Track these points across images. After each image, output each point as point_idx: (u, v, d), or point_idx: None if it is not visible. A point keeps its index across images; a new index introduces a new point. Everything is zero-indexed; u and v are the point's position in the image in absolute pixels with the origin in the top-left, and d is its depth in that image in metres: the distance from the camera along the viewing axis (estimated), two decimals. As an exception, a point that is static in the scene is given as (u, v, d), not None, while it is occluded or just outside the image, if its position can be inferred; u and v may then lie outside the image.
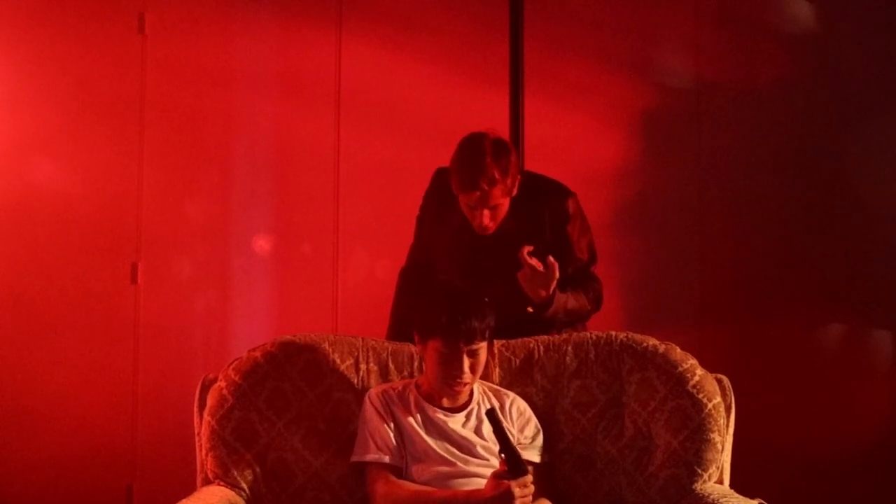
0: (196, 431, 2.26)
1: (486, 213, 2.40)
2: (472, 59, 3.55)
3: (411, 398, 2.22)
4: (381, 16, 3.61)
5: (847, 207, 3.53)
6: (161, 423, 3.45)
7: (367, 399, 2.23)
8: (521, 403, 2.28)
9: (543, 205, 2.51)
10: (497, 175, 2.35)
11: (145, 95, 3.55)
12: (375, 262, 3.49)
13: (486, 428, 2.17)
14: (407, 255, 2.73)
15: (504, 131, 2.47)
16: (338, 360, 2.31)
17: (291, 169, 3.59)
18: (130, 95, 3.54)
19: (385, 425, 2.17)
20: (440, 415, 2.20)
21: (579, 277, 2.53)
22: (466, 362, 2.13)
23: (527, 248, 2.33)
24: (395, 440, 2.17)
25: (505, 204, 2.43)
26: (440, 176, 2.59)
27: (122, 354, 3.50)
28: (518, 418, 2.24)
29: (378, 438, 2.17)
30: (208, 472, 2.20)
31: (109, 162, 3.53)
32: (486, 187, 2.35)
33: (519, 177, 2.44)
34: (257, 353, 2.28)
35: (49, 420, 3.45)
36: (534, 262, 2.32)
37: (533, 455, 2.21)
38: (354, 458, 2.19)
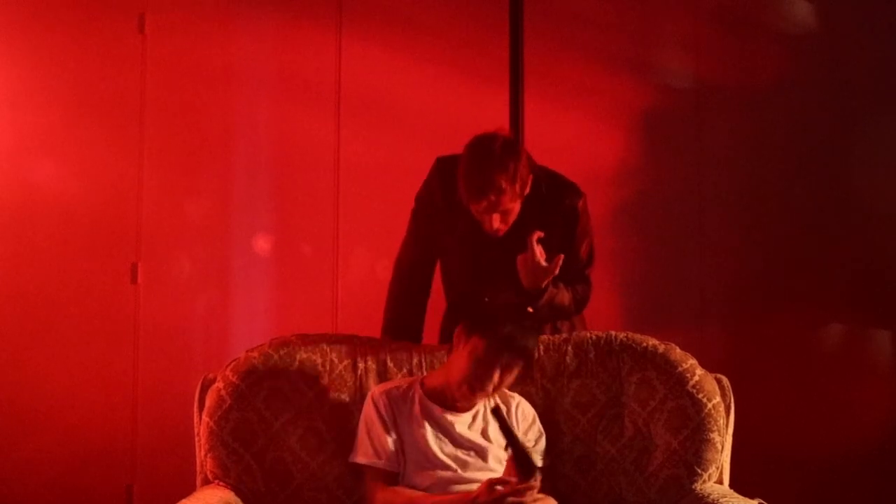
0: (196, 431, 2.26)
1: (497, 216, 2.36)
2: (472, 59, 3.54)
3: (416, 398, 2.20)
4: (381, 16, 3.60)
5: (847, 207, 3.53)
6: (161, 423, 3.45)
7: (369, 398, 2.21)
8: (526, 406, 2.27)
9: (557, 204, 2.47)
10: (505, 185, 2.29)
11: (145, 95, 3.55)
12: (375, 262, 3.48)
13: (492, 430, 2.17)
14: (400, 247, 2.64)
15: (504, 131, 2.45)
16: (336, 360, 2.30)
17: (291, 169, 3.59)
18: (130, 95, 3.54)
19: (385, 429, 2.15)
20: (447, 416, 2.18)
21: (571, 277, 2.49)
22: (496, 376, 2.11)
23: (537, 234, 2.30)
24: (395, 445, 2.15)
25: (516, 207, 2.39)
26: (443, 166, 2.53)
27: (122, 354, 3.49)
28: (523, 421, 2.23)
29: (377, 442, 2.15)
30: (207, 472, 2.20)
31: (109, 162, 3.53)
32: (493, 198, 2.30)
33: (530, 177, 2.38)
34: (255, 354, 2.28)
35: (49, 420, 3.45)
36: (539, 250, 2.29)
37: (535, 459, 2.20)
38: (352, 459, 2.18)
